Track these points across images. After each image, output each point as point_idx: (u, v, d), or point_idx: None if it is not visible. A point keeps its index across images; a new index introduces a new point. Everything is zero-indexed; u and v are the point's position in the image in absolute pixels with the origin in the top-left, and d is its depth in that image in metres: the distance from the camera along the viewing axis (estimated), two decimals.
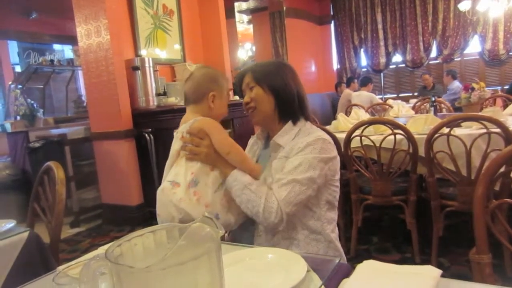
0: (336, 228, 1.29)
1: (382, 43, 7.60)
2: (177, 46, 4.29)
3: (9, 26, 6.36)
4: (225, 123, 3.44)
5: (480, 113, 2.63)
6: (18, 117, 4.52)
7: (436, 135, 1.99)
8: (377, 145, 2.20)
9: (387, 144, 2.19)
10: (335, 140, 2.22)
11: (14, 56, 6.83)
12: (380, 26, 7.58)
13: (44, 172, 1.80)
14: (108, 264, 0.46)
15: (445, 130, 1.98)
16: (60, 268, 0.76)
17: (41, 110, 4.78)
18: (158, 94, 3.74)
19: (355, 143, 2.29)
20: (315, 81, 8.01)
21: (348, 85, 6.49)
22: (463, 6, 5.09)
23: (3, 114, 6.03)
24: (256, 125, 1.39)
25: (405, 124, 2.31)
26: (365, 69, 8.02)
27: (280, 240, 1.19)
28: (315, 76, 8.13)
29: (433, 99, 3.29)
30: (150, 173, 3.54)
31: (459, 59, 7.10)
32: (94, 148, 3.80)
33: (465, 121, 2.26)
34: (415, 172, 2.20)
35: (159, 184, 1.19)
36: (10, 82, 5.67)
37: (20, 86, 4.90)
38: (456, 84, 5.75)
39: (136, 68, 3.58)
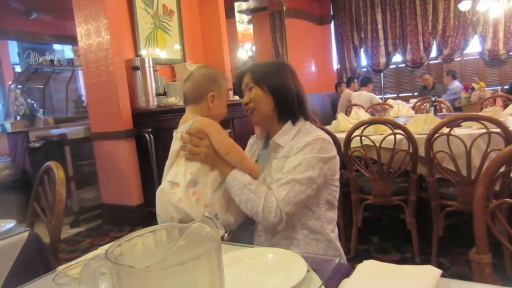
0: (336, 228, 1.29)
1: (382, 43, 7.60)
2: (177, 46, 4.29)
3: (9, 26, 6.36)
4: (225, 123, 3.44)
5: (480, 113, 2.63)
6: (18, 117, 4.51)
7: (436, 135, 1.99)
8: (377, 145, 2.20)
9: (387, 144, 2.19)
10: (335, 140, 2.23)
11: (14, 56, 6.83)
12: (380, 26, 7.58)
13: (44, 172, 1.80)
14: (108, 264, 0.46)
15: (445, 130, 1.98)
16: (60, 268, 0.76)
17: (41, 110, 4.78)
18: (158, 94, 3.74)
19: (355, 143, 2.29)
20: (315, 81, 8.01)
21: (348, 85, 6.49)
22: (463, 6, 5.09)
23: (3, 114, 6.03)
24: (255, 125, 1.39)
25: (405, 124, 2.31)
26: (365, 69, 8.02)
27: (279, 240, 1.19)
28: (315, 76, 8.12)
29: (433, 99, 3.29)
30: (150, 173, 3.54)
31: (459, 59, 7.10)
32: (94, 148, 3.80)
33: (465, 121, 2.26)
34: (415, 172, 2.20)
35: (159, 184, 1.19)
36: (10, 82, 5.67)
37: (20, 86, 4.90)
38: (456, 84, 5.75)
39: (136, 68, 3.58)
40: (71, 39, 5.72)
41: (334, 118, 3.41)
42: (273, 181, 1.16)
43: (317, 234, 1.21)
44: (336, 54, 8.30)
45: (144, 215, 3.58)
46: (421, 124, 2.46)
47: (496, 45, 6.64)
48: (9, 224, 1.36)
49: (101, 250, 0.91)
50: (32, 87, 5.73)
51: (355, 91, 5.94)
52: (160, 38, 4.07)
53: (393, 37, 7.50)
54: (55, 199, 1.65)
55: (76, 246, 3.22)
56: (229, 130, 3.84)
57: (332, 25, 8.24)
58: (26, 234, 1.33)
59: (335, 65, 8.40)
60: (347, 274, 0.75)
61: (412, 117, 2.88)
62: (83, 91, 6.41)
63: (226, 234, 1.31)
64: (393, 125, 2.17)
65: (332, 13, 8.16)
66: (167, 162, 1.21)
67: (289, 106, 1.26)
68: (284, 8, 6.94)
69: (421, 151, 2.11)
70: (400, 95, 7.54)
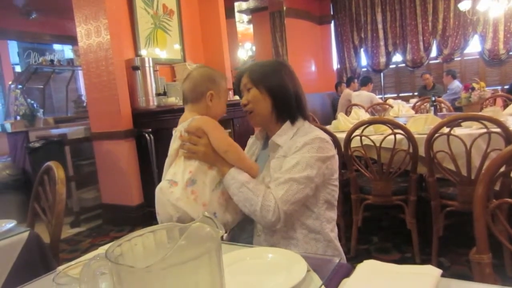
0: (336, 227, 1.29)
1: (382, 42, 7.61)
2: (177, 46, 4.29)
3: (9, 26, 6.36)
4: (225, 123, 3.44)
5: (480, 113, 2.63)
6: (18, 117, 4.51)
7: (436, 135, 1.99)
8: (377, 145, 2.20)
9: (387, 144, 2.19)
10: (335, 140, 2.24)
11: (14, 56, 6.84)
12: (380, 25, 7.58)
13: (44, 172, 1.80)
14: (108, 264, 0.46)
15: (445, 130, 1.98)
16: (60, 268, 0.76)
17: (41, 110, 4.77)
18: (158, 94, 3.74)
19: (355, 143, 2.29)
20: (315, 81, 8.01)
21: (348, 85, 6.49)
22: (463, 6, 5.09)
23: (3, 114, 6.03)
24: (254, 126, 1.40)
25: (405, 124, 2.31)
26: (365, 69, 8.02)
27: (279, 240, 1.19)
28: (315, 76, 8.13)
29: (433, 99, 3.29)
30: (150, 173, 3.54)
31: (459, 58, 7.10)
32: (94, 148, 3.80)
33: (465, 120, 2.26)
34: (415, 172, 2.20)
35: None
36: (10, 82, 5.66)
37: (20, 86, 4.89)
38: (456, 84, 5.75)
39: (136, 68, 3.58)
40: (71, 39, 5.72)
41: (334, 118, 3.42)
42: (271, 180, 1.16)
43: (317, 233, 1.21)
44: (336, 54, 8.30)
45: (144, 215, 3.58)
46: (421, 124, 2.46)
47: (496, 45, 6.64)
48: (9, 224, 1.36)
49: (101, 250, 0.91)
50: (32, 87, 5.72)
51: (355, 91, 5.94)
52: (160, 38, 4.07)
53: (393, 37, 7.50)
54: (55, 199, 1.65)
55: (76, 246, 3.22)
56: (229, 130, 3.85)
57: (332, 25, 8.24)
58: (26, 234, 1.33)
59: (335, 65, 8.40)
60: (347, 274, 0.74)
61: (412, 117, 2.88)
62: (83, 91, 6.41)
63: (225, 234, 1.32)
64: (393, 125, 2.17)
65: (332, 13, 8.17)
66: (167, 161, 1.21)
67: (287, 106, 1.26)
68: (284, 8, 6.94)
69: (421, 151, 2.11)
70: (400, 95, 7.54)
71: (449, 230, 2.27)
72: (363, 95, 5.33)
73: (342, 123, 2.94)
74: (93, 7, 3.47)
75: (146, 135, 3.52)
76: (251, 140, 1.45)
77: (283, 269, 0.78)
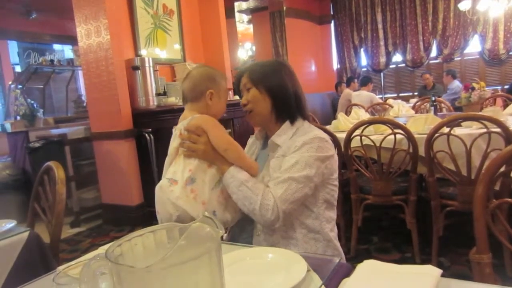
0: (335, 227, 1.29)
1: (382, 42, 7.61)
2: (177, 46, 4.29)
3: (9, 26, 6.36)
4: (225, 123, 3.44)
5: (480, 113, 2.63)
6: (18, 117, 4.51)
7: (436, 135, 1.99)
8: (377, 144, 2.20)
9: (387, 144, 2.19)
10: (335, 140, 2.25)
11: (14, 56, 6.84)
12: (380, 25, 7.58)
13: (44, 172, 1.80)
14: (108, 264, 0.46)
15: (445, 129, 1.98)
16: (60, 268, 0.76)
17: (41, 110, 4.77)
18: (158, 94, 3.74)
19: (355, 142, 2.29)
20: (315, 81, 8.01)
21: (348, 85, 6.49)
22: (463, 6, 5.09)
23: (3, 114, 6.03)
24: (254, 126, 1.40)
25: (405, 124, 2.31)
26: (365, 69, 8.02)
27: (278, 239, 1.19)
28: (315, 76, 8.13)
29: (433, 98, 3.29)
30: (150, 173, 3.54)
31: (459, 58, 7.10)
32: (94, 148, 3.80)
33: (465, 120, 2.26)
34: (415, 172, 2.20)
35: None
36: (10, 82, 5.66)
37: (20, 86, 4.89)
38: (456, 84, 5.75)
39: (136, 68, 3.58)
40: (71, 39, 5.72)
41: (334, 118, 3.41)
42: (270, 179, 1.16)
43: (316, 233, 1.21)
44: (336, 54, 8.30)
45: (144, 215, 3.58)
46: (421, 124, 2.46)
47: (496, 45, 6.64)
48: (9, 224, 1.36)
49: (101, 250, 0.91)
50: (32, 87, 5.72)
51: (355, 90, 5.94)
52: (160, 38, 4.07)
53: (393, 37, 7.50)
54: (55, 199, 1.65)
55: (76, 246, 3.22)
56: (229, 130, 3.85)
57: (332, 25, 8.24)
58: (26, 234, 1.33)
59: (335, 65, 8.40)
60: (348, 273, 0.74)
61: (412, 117, 2.88)
62: (83, 91, 6.41)
63: (225, 234, 1.32)
64: (393, 125, 2.17)
65: (332, 13, 8.17)
66: (167, 160, 1.21)
67: (287, 106, 1.26)
68: (284, 8, 6.94)
69: (421, 151, 2.11)
70: (400, 94, 7.54)
71: (449, 230, 2.27)
72: (363, 95, 5.33)
73: (342, 123, 2.94)
74: (93, 7, 3.47)
75: (146, 135, 3.52)
76: (250, 140, 1.45)
77: (283, 269, 0.78)
